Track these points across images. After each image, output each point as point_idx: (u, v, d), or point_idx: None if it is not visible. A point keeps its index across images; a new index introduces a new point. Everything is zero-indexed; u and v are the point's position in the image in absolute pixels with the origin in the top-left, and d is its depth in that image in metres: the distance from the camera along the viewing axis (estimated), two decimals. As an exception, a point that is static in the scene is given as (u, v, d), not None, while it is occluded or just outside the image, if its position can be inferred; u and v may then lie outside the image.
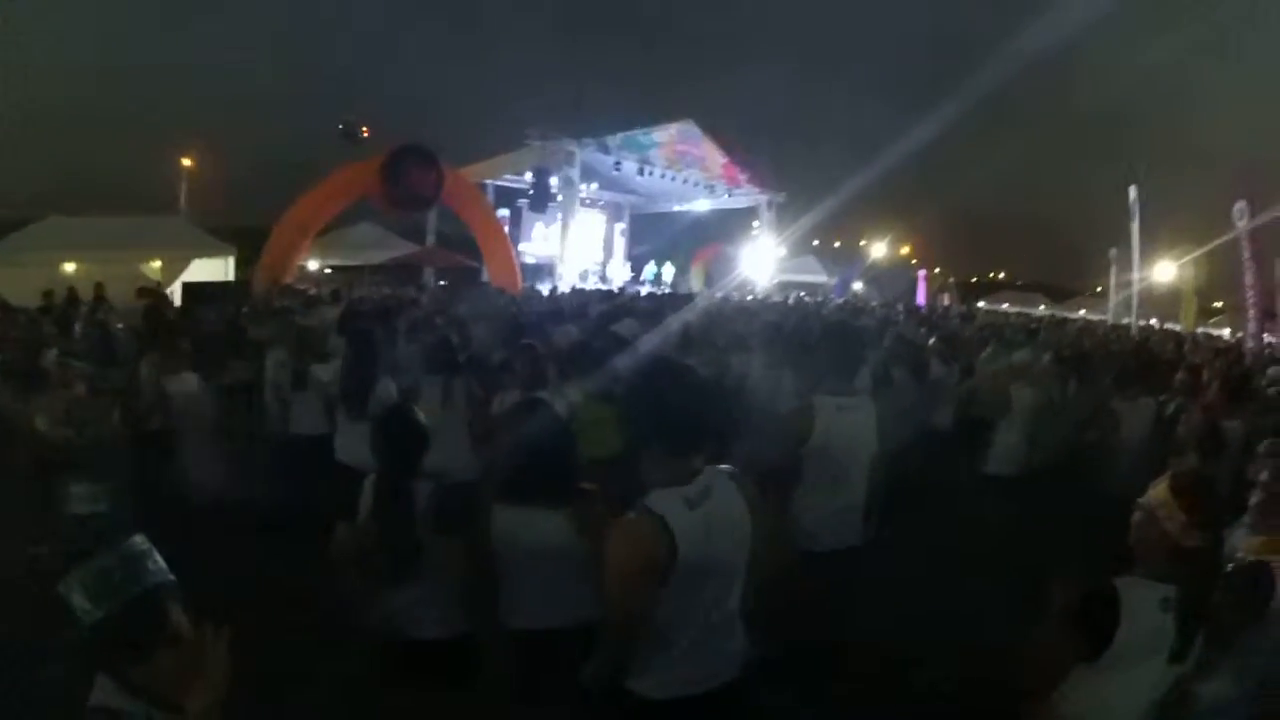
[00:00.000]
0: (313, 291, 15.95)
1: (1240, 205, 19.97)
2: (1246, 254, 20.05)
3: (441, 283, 22.40)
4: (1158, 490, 2.36)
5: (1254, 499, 2.99)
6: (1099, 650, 2.23)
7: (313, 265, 23.02)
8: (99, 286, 14.21)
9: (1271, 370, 9.50)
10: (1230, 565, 2.72)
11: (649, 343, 7.20)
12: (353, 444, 5.21)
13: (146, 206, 23.03)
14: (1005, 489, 6.00)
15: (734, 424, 2.55)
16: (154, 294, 12.98)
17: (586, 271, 28.73)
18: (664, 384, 2.45)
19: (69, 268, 17.33)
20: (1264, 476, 3.10)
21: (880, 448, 4.17)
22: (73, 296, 14.05)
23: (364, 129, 20.67)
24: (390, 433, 3.28)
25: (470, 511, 3.05)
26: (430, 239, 25.40)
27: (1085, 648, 2.25)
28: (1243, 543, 2.92)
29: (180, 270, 18.48)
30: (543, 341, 6.45)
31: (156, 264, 18.61)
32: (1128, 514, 2.46)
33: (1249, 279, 20.04)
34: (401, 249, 24.72)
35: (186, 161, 34.19)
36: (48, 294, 13.70)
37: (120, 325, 8.33)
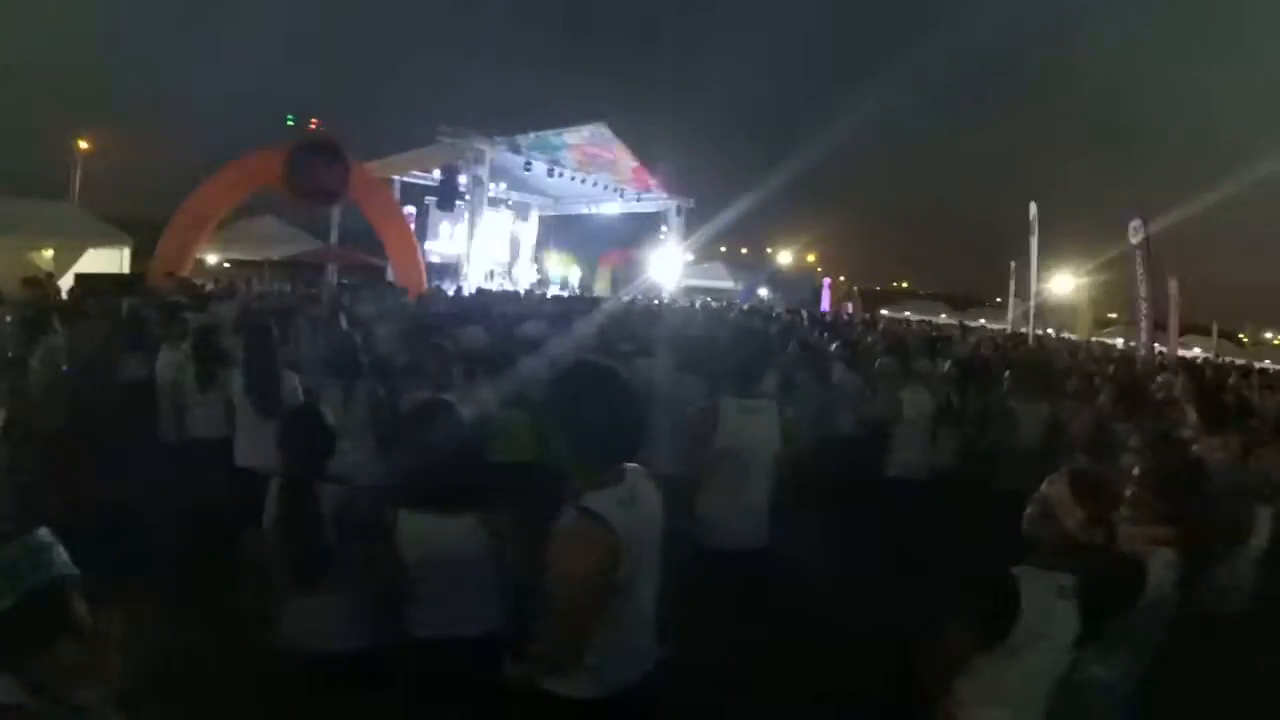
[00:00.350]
0: (209, 286, 15.54)
1: (1135, 222, 20.97)
2: (1140, 268, 21.01)
3: (343, 281, 21.97)
4: (1055, 487, 2.50)
5: (1128, 493, 3.15)
6: (1000, 638, 2.33)
7: (212, 259, 22.40)
8: None
9: (1161, 377, 10.03)
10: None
11: (555, 346, 7.19)
12: (255, 446, 5.08)
13: (33, 191, 21.93)
14: (906, 490, 6.17)
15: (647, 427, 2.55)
16: (41, 284, 12.39)
17: (492, 272, 28.47)
18: (597, 389, 2.46)
19: None
20: (1136, 471, 3.26)
21: (784, 449, 4.27)
22: None
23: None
24: (298, 432, 3.21)
25: (377, 517, 2.99)
26: (334, 235, 24.92)
27: (987, 637, 2.35)
28: (1120, 534, 3.07)
29: (74, 260, 17.74)
30: (450, 343, 6.39)
31: (49, 253, 17.88)
32: (1022, 510, 2.62)
33: (1142, 291, 21.03)
34: (304, 245, 24.24)
35: (83, 144, 33.05)
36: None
37: (9, 318, 7.95)
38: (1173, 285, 24.32)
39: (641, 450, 2.55)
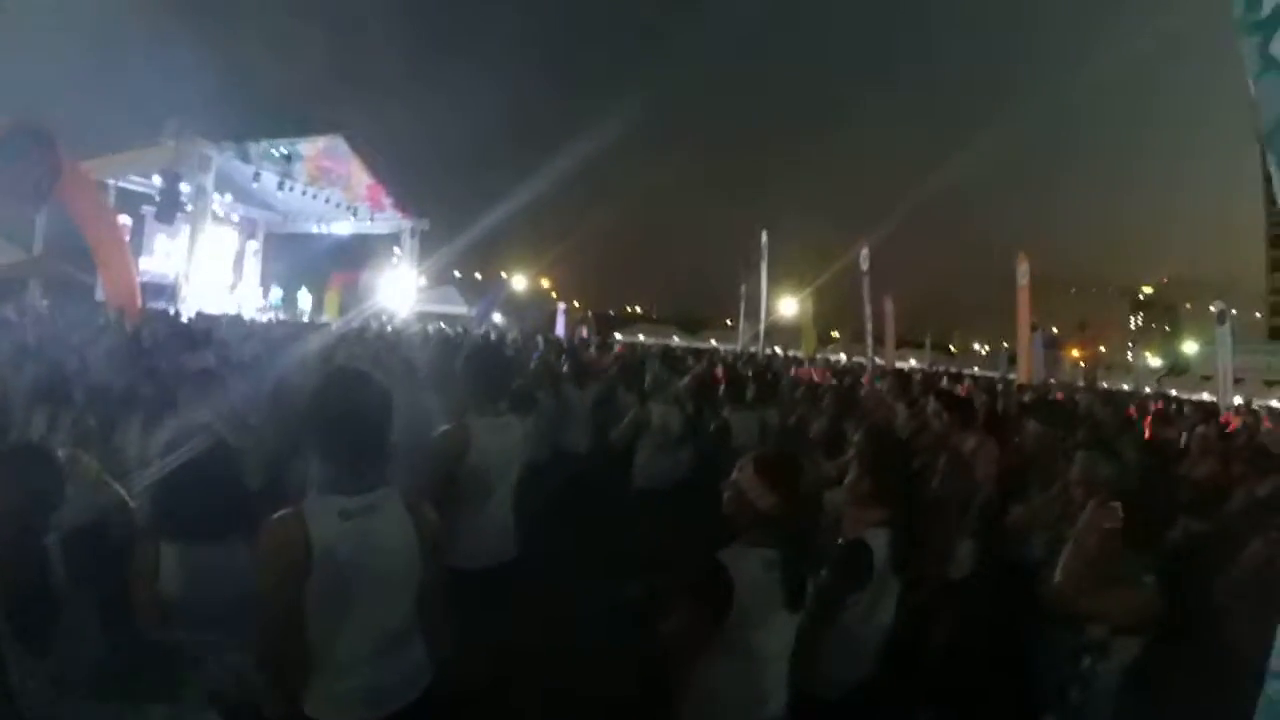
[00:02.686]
0: None
1: (864, 251, 23.44)
2: (866, 291, 23.43)
3: (45, 302, 19.68)
4: (745, 472, 2.84)
5: (848, 480, 3.54)
6: (723, 614, 2.60)
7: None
8: None
9: (879, 382, 11.31)
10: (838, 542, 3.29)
11: (285, 372, 6.98)
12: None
13: None
14: (650, 498, 6.47)
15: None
16: None
17: (213, 294, 26.73)
18: (334, 392, 2.51)
19: None
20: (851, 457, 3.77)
21: (526, 464, 4.42)
22: None
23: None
24: (18, 474, 2.89)
25: (113, 557, 2.82)
26: (39, 245, 22.49)
27: (711, 615, 2.57)
28: (844, 517, 3.47)
29: None
30: (173, 368, 6.11)
31: None
32: None
33: (869, 310, 23.57)
34: (5, 255, 21.77)
35: None
36: None
37: None
38: (888, 304, 26.93)
39: (387, 469, 2.58)
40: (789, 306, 33.15)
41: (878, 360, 24.47)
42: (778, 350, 32.31)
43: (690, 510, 6.05)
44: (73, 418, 4.99)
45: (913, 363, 38.57)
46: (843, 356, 33.62)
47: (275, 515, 2.37)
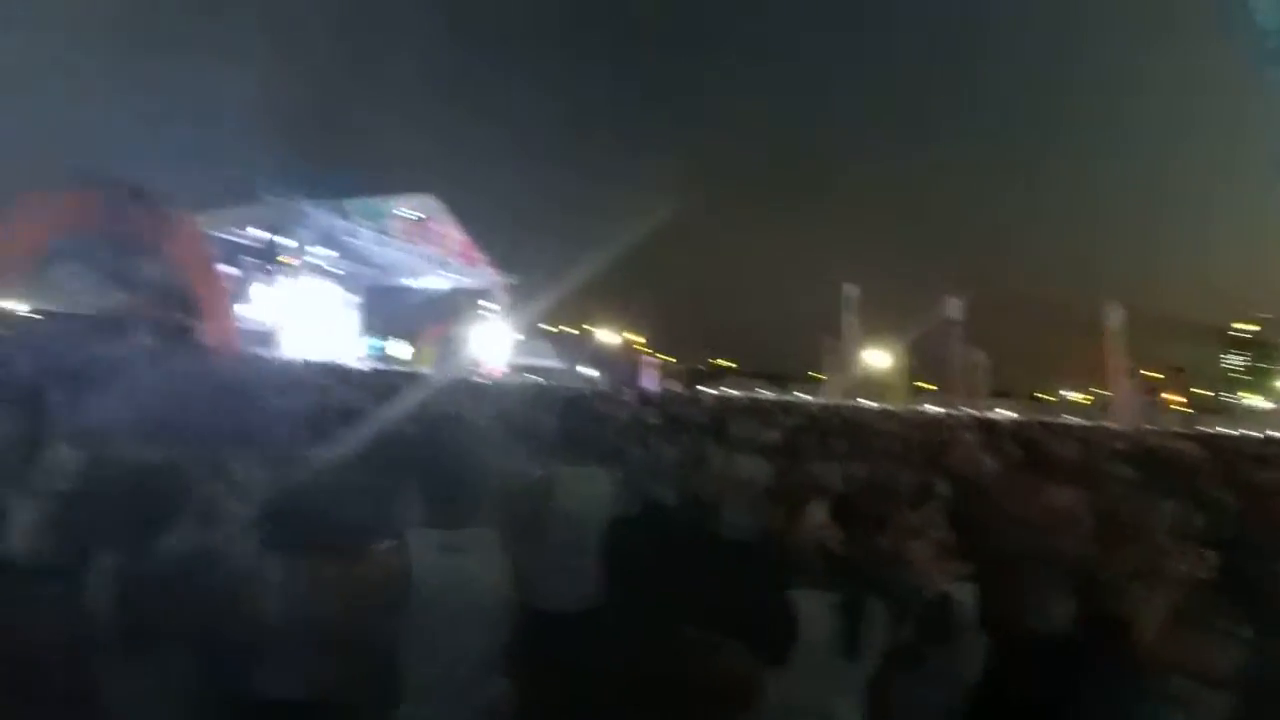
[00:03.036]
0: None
1: (954, 301, 23.02)
2: (956, 340, 22.97)
3: (149, 343, 20.63)
4: (815, 513, 2.69)
5: (927, 529, 3.39)
6: (781, 657, 2.46)
7: (3, 305, 20.94)
8: None
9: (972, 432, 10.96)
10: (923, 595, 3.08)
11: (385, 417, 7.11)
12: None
13: None
14: (734, 551, 6.33)
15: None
16: None
17: (311, 342, 27.52)
18: (434, 434, 2.65)
19: None
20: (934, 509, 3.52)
21: (614, 512, 4.38)
22: None
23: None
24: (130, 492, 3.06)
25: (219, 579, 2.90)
26: (145, 291, 23.57)
27: (767, 657, 2.47)
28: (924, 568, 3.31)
29: None
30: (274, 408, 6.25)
31: None
32: None
33: (957, 362, 23.02)
34: (110, 297, 22.90)
35: None
36: None
37: None
38: (977, 353, 26.43)
39: (479, 511, 2.59)
40: (879, 358, 32.91)
41: (968, 411, 23.75)
42: (867, 402, 31.79)
43: (775, 563, 5.95)
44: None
45: (1004, 412, 37.57)
46: (932, 409, 32.81)
47: (376, 545, 2.40)
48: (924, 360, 36.48)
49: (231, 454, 5.28)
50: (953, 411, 23.82)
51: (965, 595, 2.98)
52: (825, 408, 23.14)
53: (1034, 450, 6.38)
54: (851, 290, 27.45)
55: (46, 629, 2.58)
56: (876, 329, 34.72)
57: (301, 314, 24.12)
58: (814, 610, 2.56)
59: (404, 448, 2.65)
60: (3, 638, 2.54)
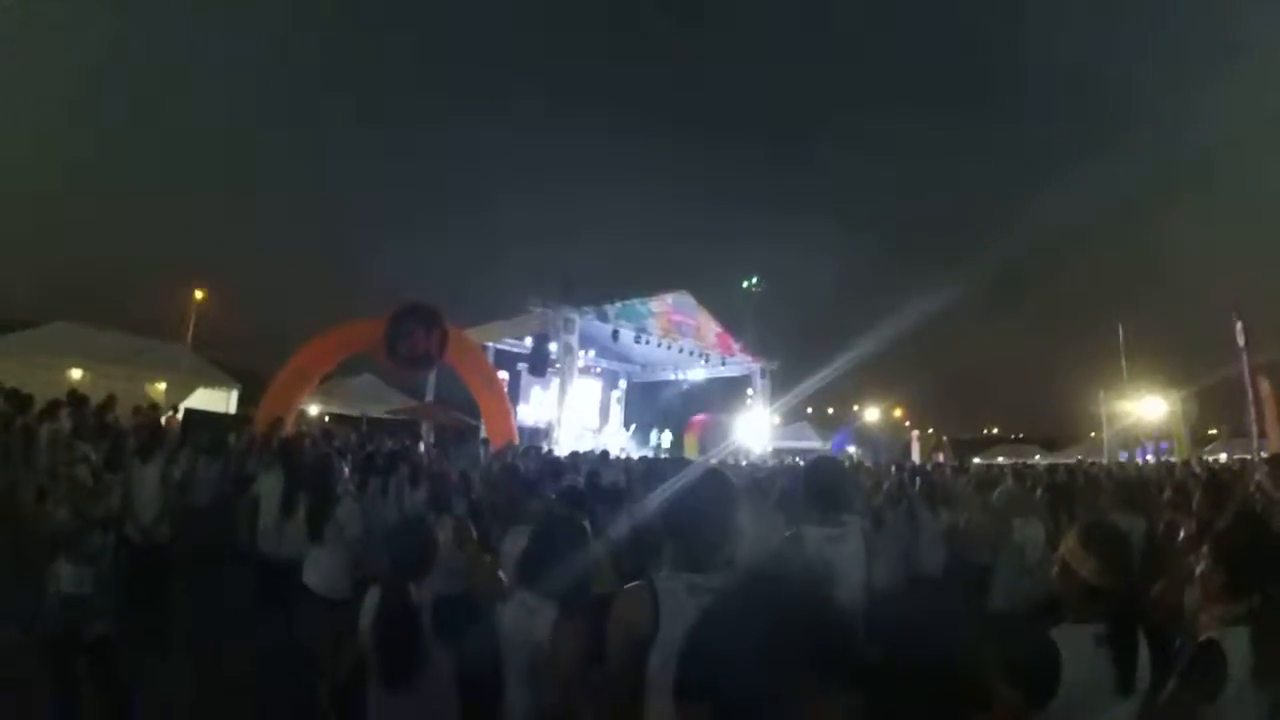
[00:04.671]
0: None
1: (1239, 325, 20.31)
2: (1245, 370, 20.31)
3: (433, 439, 22.44)
4: (1069, 543, 2.64)
5: (1199, 569, 3.16)
6: (1049, 696, 2.41)
7: (313, 410, 23.17)
8: (111, 396, 13.77)
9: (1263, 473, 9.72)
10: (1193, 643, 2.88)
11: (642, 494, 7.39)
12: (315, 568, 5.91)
13: (148, 331, 23.43)
14: (1007, 622, 6.04)
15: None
16: (151, 416, 12.90)
17: (582, 435, 28.76)
18: (693, 483, 2.71)
19: (75, 374, 17.57)
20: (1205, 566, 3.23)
21: (868, 576, 4.32)
22: (79, 398, 13.21)
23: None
24: (406, 541, 3.47)
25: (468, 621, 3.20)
26: (429, 395, 25.67)
27: (1036, 697, 2.41)
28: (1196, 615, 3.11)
29: (184, 396, 19.09)
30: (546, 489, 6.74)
31: (161, 385, 19.11)
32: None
33: (1251, 395, 20.30)
34: (400, 402, 25.12)
35: (199, 294, 35.04)
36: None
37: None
38: (1264, 384, 22.82)
39: (728, 555, 2.71)
40: (1155, 407, 30.34)
41: (1261, 452, 20.92)
42: (1149, 458, 29.07)
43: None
44: (454, 520, 5.61)
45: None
46: (1223, 456, 28.88)
47: (629, 585, 2.55)
48: (1206, 404, 33.11)
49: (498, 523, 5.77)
50: (1246, 455, 21.16)
51: (1238, 642, 2.79)
52: (1104, 466, 21.59)
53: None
54: (1119, 331, 25.50)
55: (325, 640, 3.02)
56: (1152, 375, 32.34)
57: (572, 411, 25.29)
58: (1077, 642, 2.51)
59: (663, 512, 2.79)
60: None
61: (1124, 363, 25.54)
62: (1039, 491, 7.84)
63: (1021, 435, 63.51)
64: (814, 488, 4.50)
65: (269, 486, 6.93)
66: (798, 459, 26.56)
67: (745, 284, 35.45)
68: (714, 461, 19.07)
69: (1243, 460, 21.02)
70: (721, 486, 2.71)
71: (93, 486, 4.79)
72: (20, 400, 11.90)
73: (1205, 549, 3.16)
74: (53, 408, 11.76)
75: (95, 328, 20.68)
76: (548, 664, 2.91)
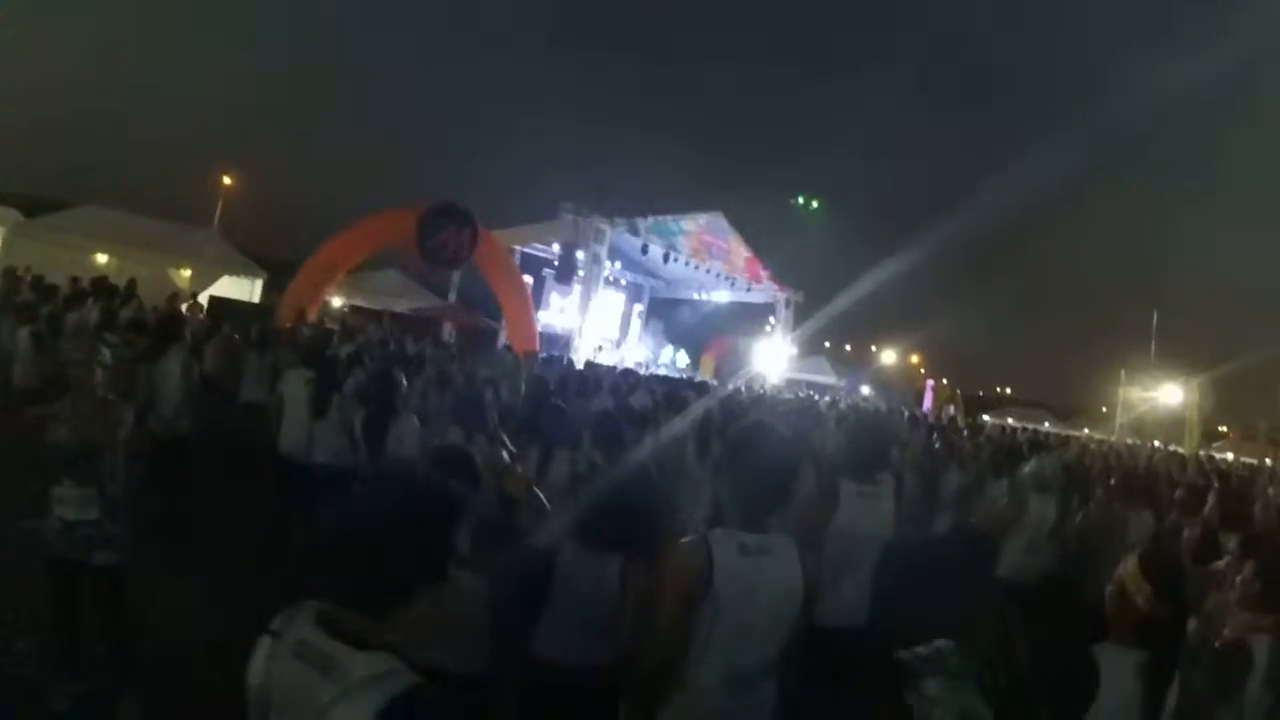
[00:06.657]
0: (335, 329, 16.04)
1: None
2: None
3: (453, 339, 22.41)
4: (1129, 567, 2.58)
5: (1238, 579, 3.20)
6: (1080, 714, 2.40)
7: (336, 302, 23.20)
8: (132, 282, 13.93)
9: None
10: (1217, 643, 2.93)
11: (673, 426, 7.31)
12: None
13: (176, 215, 23.34)
14: (1009, 590, 6.10)
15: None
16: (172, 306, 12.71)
17: (600, 347, 28.80)
18: (752, 440, 2.64)
19: (101, 258, 17.78)
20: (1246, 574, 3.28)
21: (893, 537, 4.34)
22: (106, 286, 13.40)
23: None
24: (447, 470, 3.40)
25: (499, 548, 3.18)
26: (453, 294, 25.71)
27: (1067, 712, 2.42)
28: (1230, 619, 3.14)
29: (209, 283, 19.18)
30: (574, 409, 6.55)
31: (186, 272, 19.14)
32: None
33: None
34: (423, 300, 25.18)
35: (226, 179, 34.91)
36: (74, 280, 13.67)
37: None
38: None
39: (782, 515, 2.70)
40: (1172, 394, 29.93)
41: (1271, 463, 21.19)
42: (1156, 444, 28.89)
43: (1051, 607, 5.68)
44: (488, 438, 5.46)
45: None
46: (1230, 456, 28.51)
47: (683, 539, 2.51)
48: (1223, 399, 32.68)
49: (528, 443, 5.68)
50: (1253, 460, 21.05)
51: (1260, 649, 2.83)
52: (1111, 446, 21.46)
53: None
54: (1153, 315, 25.14)
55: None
56: (1175, 358, 31.93)
57: (594, 322, 25.34)
58: (1117, 666, 2.49)
59: (729, 448, 2.76)
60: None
61: (1153, 346, 25.05)
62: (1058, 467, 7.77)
63: (1032, 400, 63.00)
64: (862, 449, 4.47)
65: (294, 386, 6.63)
66: (813, 393, 26.58)
67: (801, 201, 34.49)
68: (731, 387, 19.11)
69: (1251, 466, 21.14)
70: (785, 449, 2.66)
71: (103, 402, 4.41)
72: (45, 291, 12.00)
73: (1243, 557, 3.22)
74: (80, 295, 11.85)
75: (123, 211, 20.82)
76: (616, 605, 2.93)
